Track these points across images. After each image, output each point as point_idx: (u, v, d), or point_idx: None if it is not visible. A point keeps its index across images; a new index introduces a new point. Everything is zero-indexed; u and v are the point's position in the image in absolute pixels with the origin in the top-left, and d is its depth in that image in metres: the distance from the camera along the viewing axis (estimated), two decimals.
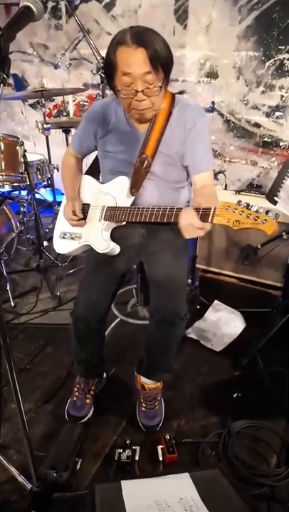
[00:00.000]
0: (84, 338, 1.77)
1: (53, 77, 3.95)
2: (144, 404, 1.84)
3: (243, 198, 2.59)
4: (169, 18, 3.11)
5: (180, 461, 1.65)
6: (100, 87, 2.80)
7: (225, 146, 3.26)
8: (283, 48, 2.77)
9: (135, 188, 1.63)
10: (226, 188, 2.82)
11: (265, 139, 3.07)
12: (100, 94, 2.85)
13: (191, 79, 3.21)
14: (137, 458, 1.64)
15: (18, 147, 2.68)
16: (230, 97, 3.12)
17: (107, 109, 1.65)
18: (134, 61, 1.35)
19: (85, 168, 1.94)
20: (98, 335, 1.82)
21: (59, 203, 1.97)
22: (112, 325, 2.34)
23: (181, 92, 3.24)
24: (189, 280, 2.68)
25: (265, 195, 2.05)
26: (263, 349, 2.13)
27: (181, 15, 3.07)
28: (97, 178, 1.86)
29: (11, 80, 4.10)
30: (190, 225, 1.30)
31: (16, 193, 3.34)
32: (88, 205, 1.78)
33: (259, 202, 1.30)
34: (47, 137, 3.07)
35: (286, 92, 2.87)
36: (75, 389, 1.90)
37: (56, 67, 3.92)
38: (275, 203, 1.92)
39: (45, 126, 2.98)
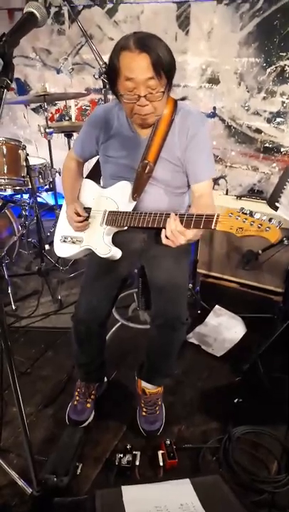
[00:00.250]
0: (85, 341, 1.77)
1: (55, 81, 3.97)
2: (144, 409, 1.84)
3: (244, 203, 2.63)
4: (171, 24, 3.14)
5: (180, 466, 1.64)
6: (102, 91, 2.82)
7: (226, 152, 3.27)
8: (284, 54, 2.79)
9: (137, 193, 1.64)
10: (227, 193, 2.82)
11: (266, 145, 3.08)
12: (102, 98, 2.87)
13: (192, 84, 3.23)
14: (137, 463, 1.64)
15: (20, 151, 2.70)
16: (231, 102, 3.13)
17: (109, 114, 1.66)
18: (137, 66, 1.36)
19: (85, 172, 1.95)
20: (99, 339, 1.82)
21: (61, 207, 1.98)
22: (113, 329, 2.34)
23: (183, 99, 3.25)
24: (190, 285, 2.68)
25: (267, 201, 2.06)
26: (263, 354, 2.13)
27: (183, 21, 3.10)
28: (98, 183, 1.86)
29: (13, 85, 4.12)
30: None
31: (18, 196, 3.34)
32: (89, 209, 1.78)
33: (260, 207, 1.31)
34: (49, 141, 3.08)
35: (287, 99, 2.89)
36: (76, 393, 1.90)
37: (59, 71, 3.94)
38: (276, 208, 1.92)
39: (47, 130, 2.99)
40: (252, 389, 2.04)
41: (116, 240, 1.70)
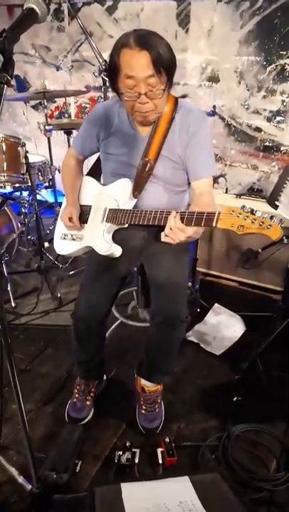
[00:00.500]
0: (84, 339, 1.77)
1: (55, 78, 3.96)
2: (144, 407, 1.84)
3: (244, 202, 2.64)
4: (171, 22, 3.13)
5: (180, 464, 1.65)
6: (102, 89, 2.82)
7: (226, 150, 3.27)
8: (284, 53, 2.79)
9: (137, 190, 1.64)
10: (226, 192, 2.83)
11: (266, 144, 3.08)
12: (102, 96, 2.86)
13: (192, 83, 3.23)
14: (136, 460, 1.64)
15: (19, 148, 2.69)
16: (231, 101, 3.13)
17: (109, 111, 1.66)
18: (138, 64, 1.36)
19: (86, 169, 1.94)
20: (99, 336, 1.82)
21: (60, 204, 1.97)
22: (113, 327, 2.34)
23: (184, 96, 3.25)
24: (190, 283, 2.68)
25: (267, 200, 2.06)
26: (262, 353, 2.13)
27: (183, 19, 3.09)
28: (98, 180, 1.86)
29: (13, 81, 4.10)
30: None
31: (18, 193, 3.34)
32: (90, 206, 1.78)
33: (260, 206, 1.31)
34: (48, 138, 3.08)
35: (287, 97, 2.88)
36: (75, 391, 1.90)
37: (58, 68, 3.93)
38: (276, 207, 1.93)
39: (46, 127, 2.99)
40: (251, 387, 2.05)
41: (116, 238, 1.70)
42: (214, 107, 3.21)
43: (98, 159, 1.87)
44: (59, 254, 2.20)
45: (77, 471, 1.61)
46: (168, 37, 1.42)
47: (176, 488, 1.39)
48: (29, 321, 2.57)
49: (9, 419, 1.77)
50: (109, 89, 2.76)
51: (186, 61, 3.16)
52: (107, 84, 2.74)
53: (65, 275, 3.00)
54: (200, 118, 1.59)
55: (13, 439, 1.74)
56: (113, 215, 1.66)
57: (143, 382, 1.86)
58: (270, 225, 1.22)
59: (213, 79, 3.14)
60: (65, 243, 1.85)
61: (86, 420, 1.84)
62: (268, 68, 2.88)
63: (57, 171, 3.13)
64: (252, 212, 1.24)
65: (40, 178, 3.06)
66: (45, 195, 3.55)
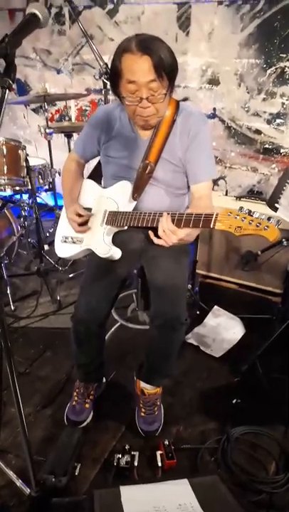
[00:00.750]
0: (84, 341, 1.77)
1: (55, 82, 3.97)
2: (143, 410, 1.84)
3: (244, 204, 2.61)
4: (171, 25, 3.14)
5: (179, 467, 1.64)
6: (103, 92, 2.82)
7: (226, 153, 3.27)
8: (284, 56, 2.80)
9: (137, 193, 1.64)
10: (226, 194, 2.83)
11: (266, 146, 3.09)
12: (103, 99, 2.87)
13: (192, 85, 3.24)
14: (135, 463, 1.64)
15: (20, 151, 2.70)
16: (231, 103, 3.14)
17: (110, 114, 1.67)
18: (139, 69, 1.36)
19: (87, 172, 1.95)
20: (98, 339, 1.82)
21: (60, 207, 1.98)
22: (112, 329, 2.34)
23: (185, 99, 3.26)
24: (189, 285, 2.68)
25: (266, 202, 2.06)
26: (262, 355, 2.13)
27: (184, 22, 3.10)
28: (99, 183, 1.87)
29: (13, 85, 4.12)
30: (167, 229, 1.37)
31: (18, 196, 3.34)
32: (90, 209, 1.78)
33: (259, 208, 1.31)
34: (49, 142, 3.09)
35: (287, 100, 2.89)
36: (75, 393, 1.90)
37: (59, 72, 3.94)
38: (275, 209, 1.92)
39: (47, 130, 3.00)
40: (250, 390, 2.04)
41: (116, 240, 1.70)
42: (214, 109, 3.21)
43: (99, 162, 1.87)
44: (59, 257, 2.21)
45: (77, 474, 1.61)
46: (168, 40, 1.43)
47: (175, 491, 1.39)
48: (28, 324, 2.57)
49: (8, 422, 1.77)
50: (110, 92, 2.78)
51: (186, 64, 3.18)
52: (108, 87, 2.74)
53: (65, 278, 3.00)
54: (200, 121, 1.60)
55: (12, 443, 1.74)
56: (113, 217, 1.66)
57: (142, 384, 1.86)
58: (267, 226, 1.22)
59: (214, 81, 3.15)
60: (65, 246, 1.85)
61: (85, 423, 1.84)
62: (268, 71, 2.89)
63: (57, 174, 3.14)
64: (249, 213, 1.25)
65: (41, 181, 3.06)
66: (45, 198, 3.55)
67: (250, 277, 2.63)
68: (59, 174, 3.09)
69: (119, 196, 1.68)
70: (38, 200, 3.06)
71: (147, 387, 1.85)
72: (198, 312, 2.64)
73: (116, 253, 1.66)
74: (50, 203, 3.56)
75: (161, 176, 1.63)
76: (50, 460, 1.59)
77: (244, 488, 1.57)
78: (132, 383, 1.94)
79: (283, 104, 2.91)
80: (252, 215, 1.24)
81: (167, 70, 1.39)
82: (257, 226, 1.23)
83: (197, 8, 3.03)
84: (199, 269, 2.79)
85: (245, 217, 1.25)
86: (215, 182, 2.96)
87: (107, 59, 2.62)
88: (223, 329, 2.47)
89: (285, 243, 2.11)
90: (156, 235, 1.42)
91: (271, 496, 1.55)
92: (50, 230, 3.41)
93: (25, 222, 3.23)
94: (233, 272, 2.69)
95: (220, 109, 3.20)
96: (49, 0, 3.65)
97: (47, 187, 3.21)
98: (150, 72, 1.36)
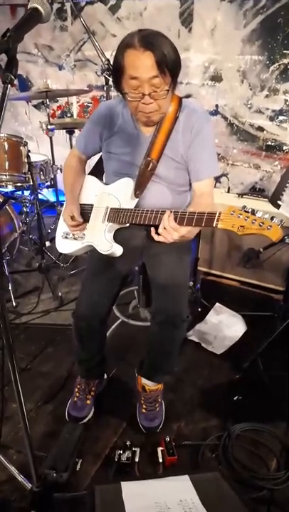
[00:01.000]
0: (85, 337, 1.77)
1: (57, 78, 3.96)
2: (144, 406, 1.84)
3: (246, 201, 2.63)
4: (174, 21, 3.13)
5: (180, 463, 1.65)
6: (104, 88, 2.82)
7: (228, 150, 3.26)
8: (288, 52, 2.78)
9: (139, 190, 1.64)
10: (228, 191, 2.82)
11: (269, 143, 3.08)
12: (104, 95, 2.86)
13: (195, 82, 3.22)
14: (137, 459, 1.64)
15: (21, 147, 2.69)
16: (234, 100, 3.13)
17: (113, 110, 1.66)
18: (142, 65, 1.35)
19: (88, 169, 1.94)
20: (99, 335, 1.82)
21: (62, 204, 1.97)
22: (114, 326, 2.34)
23: (188, 96, 3.25)
24: (191, 282, 2.68)
25: (269, 199, 2.06)
26: (263, 352, 2.13)
27: (186, 18, 3.09)
28: (101, 179, 1.86)
29: (15, 81, 4.12)
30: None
31: (19, 193, 3.35)
32: (91, 205, 1.78)
33: (261, 206, 1.31)
34: (50, 138, 3.08)
35: None
36: (76, 389, 1.90)
37: (61, 68, 3.93)
38: (278, 206, 1.92)
39: (49, 127, 2.99)
40: (252, 387, 2.04)
41: (117, 237, 1.69)
42: (217, 106, 3.20)
43: (101, 158, 1.86)
44: (60, 254, 2.21)
45: (78, 469, 1.62)
46: (171, 36, 1.42)
47: (176, 487, 1.39)
48: (30, 320, 2.57)
49: (9, 418, 1.77)
50: (112, 89, 2.79)
51: (188, 60, 3.16)
52: (110, 83, 2.74)
53: (66, 274, 3.00)
54: (203, 118, 1.59)
55: (14, 438, 1.74)
56: (114, 214, 1.65)
57: (144, 381, 1.86)
58: (270, 226, 1.22)
59: (216, 78, 3.14)
60: (66, 242, 1.85)
61: (86, 419, 1.85)
62: (271, 67, 2.88)
63: (58, 171, 3.13)
64: (253, 212, 1.24)
65: (42, 177, 3.07)
66: (46, 194, 3.54)
67: (252, 275, 2.62)
68: (60, 170, 3.09)
69: (121, 193, 1.67)
70: (40, 196, 3.06)
71: (148, 384, 1.85)
72: (199, 309, 2.64)
73: (117, 250, 1.66)
74: (52, 199, 3.55)
75: (163, 173, 1.62)
76: (51, 455, 1.60)
77: (245, 484, 1.58)
78: (133, 380, 1.94)
79: (286, 100, 2.90)
80: (255, 215, 1.24)
81: (170, 66, 1.38)
82: (260, 225, 1.23)
83: (200, 4, 3.01)
84: (201, 266, 2.79)
85: (248, 217, 1.24)
86: (217, 179, 2.96)
87: (109, 55, 2.62)
88: (224, 326, 2.47)
89: (287, 240, 2.11)
90: (157, 232, 1.42)
91: (272, 493, 1.55)
92: (52, 227, 3.41)
93: (27, 219, 3.23)
94: (234, 270, 2.68)
95: (222, 105, 3.19)
96: None
97: (48, 183, 3.22)
98: (153, 68, 1.35)
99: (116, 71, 1.44)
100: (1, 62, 1.02)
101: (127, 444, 1.68)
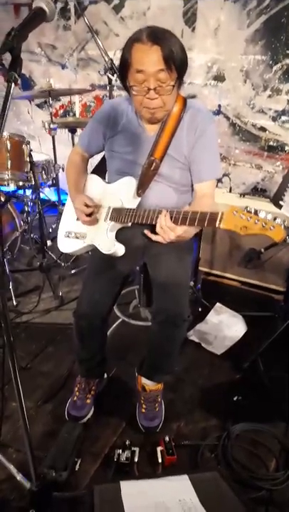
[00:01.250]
0: (86, 337, 1.77)
1: (60, 77, 3.96)
2: (144, 406, 1.84)
3: (248, 201, 2.63)
4: (177, 21, 3.12)
5: (179, 463, 1.64)
6: (107, 88, 2.81)
7: (230, 149, 3.26)
8: None
9: (142, 189, 1.64)
10: (230, 191, 2.82)
11: (271, 143, 3.07)
12: (107, 95, 2.86)
13: (198, 81, 3.22)
14: (136, 459, 1.64)
15: (24, 146, 2.70)
16: (236, 100, 3.13)
17: (117, 109, 1.66)
18: (149, 58, 1.37)
19: (91, 168, 1.94)
20: (100, 334, 1.82)
21: (63, 203, 1.97)
22: (114, 325, 2.34)
23: (193, 97, 3.24)
24: (192, 282, 2.68)
25: (271, 199, 2.06)
26: (264, 353, 2.12)
27: (190, 17, 3.08)
28: (103, 178, 1.86)
29: (18, 79, 4.12)
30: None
31: (21, 192, 3.35)
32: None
33: (263, 206, 1.31)
34: (53, 137, 3.08)
35: None
36: (76, 389, 1.90)
37: (64, 67, 3.93)
38: (280, 207, 1.92)
39: (51, 126, 2.99)
40: (252, 387, 2.04)
41: (119, 237, 1.69)
42: (219, 106, 3.20)
43: (103, 157, 1.86)
44: (62, 253, 2.20)
45: (77, 469, 1.61)
46: None
47: (175, 487, 1.39)
48: (30, 319, 2.57)
49: (9, 417, 1.77)
50: (115, 88, 2.79)
51: (191, 60, 3.15)
52: (113, 82, 2.73)
53: (67, 274, 3.00)
54: (208, 119, 1.60)
55: (13, 437, 1.74)
56: (117, 213, 1.65)
57: (144, 380, 1.86)
58: (273, 226, 1.21)
59: (219, 78, 3.14)
60: (68, 241, 1.85)
61: (86, 418, 1.84)
62: (274, 67, 2.88)
63: (61, 170, 3.14)
64: (255, 212, 1.24)
65: (44, 176, 3.06)
66: (48, 193, 3.55)
67: (252, 275, 2.62)
68: (63, 170, 3.08)
69: (123, 192, 1.67)
70: (41, 195, 3.07)
71: (148, 384, 1.85)
72: (200, 309, 2.64)
73: (119, 249, 1.66)
74: (53, 198, 3.55)
75: (166, 173, 1.62)
76: (50, 454, 1.59)
77: (244, 484, 1.57)
78: (133, 379, 1.94)
79: None
80: (258, 215, 1.23)
81: (177, 63, 1.40)
82: (263, 226, 1.22)
83: (203, 4, 3.01)
84: (202, 266, 2.79)
85: (251, 217, 1.24)
86: (219, 179, 2.96)
87: (113, 54, 2.62)
88: (225, 326, 2.47)
89: (288, 241, 2.10)
90: (154, 232, 1.42)
91: (271, 493, 1.55)
92: (53, 226, 3.42)
93: (28, 218, 3.23)
94: (235, 270, 2.68)
95: (225, 105, 3.18)
96: None
97: (50, 182, 3.21)
98: (159, 62, 1.36)
99: (123, 65, 1.45)
100: (4, 61, 1.02)
101: (127, 443, 1.68)
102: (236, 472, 1.61)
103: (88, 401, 1.88)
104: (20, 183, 2.77)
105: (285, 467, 1.65)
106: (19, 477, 1.46)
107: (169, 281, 1.66)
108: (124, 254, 1.67)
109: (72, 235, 1.83)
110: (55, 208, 3.43)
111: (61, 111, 4.13)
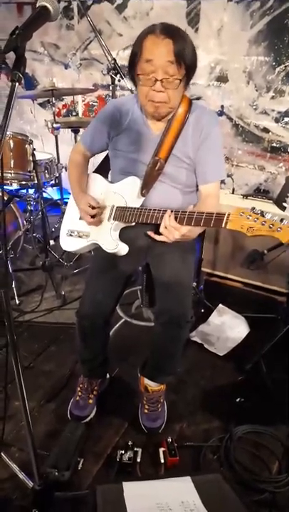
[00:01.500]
0: (89, 336, 1.77)
1: (63, 76, 3.96)
2: (146, 406, 1.84)
3: (250, 202, 2.63)
4: (180, 21, 3.12)
5: (181, 464, 1.64)
6: (110, 87, 2.81)
7: (233, 151, 3.26)
8: None
9: (146, 189, 1.64)
10: (233, 192, 2.82)
11: (274, 145, 3.07)
12: (110, 95, 2.86)
13: (201, 82, 3.21)
14: (138, 460, 1.64)
15: (27, 145, 2.70)
16: (239, 101, 3.12)
17: (121, 108, 1.66)
18: (159, 49, 1.38)
19: (92, 167, 1.94)
20: (103, 334, 1.82)
21: (66, 202, 1.97)
22: (117, 326, 2.34)
23: (199, 98, 3.24)
24: (194, 283, 2.67)
25: (274, 201, 2.06)
26: (266, 354, 2.12)
27: (193, 18, 3.08)
28: (106, 178, 1.86)
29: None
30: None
31: (24, 191, 3.35)
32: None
33: (266, 207, 1.31)
34: (56, 136, 3.08)
35: None
36: (78, 389, 1.90)
37: (67, 66, 3.93)
38: (283, 208, 1.92)
39: (54, 125, 2.99)
40: (254, 389, 2.04)
41: (123, 236, 1.69)
42: (222, 106, 3.20)
43: (106, 157, 1.86)
44: (64, 252, 2.20)
45: (79, 469, 1.62)
46: None
47: (177, 488, 1.39)
48: (33, 318, 2.57)
49: (12, 416, 1.78)
50: (118, 88, 2.79)
51: None
52: (116, 82, 2.73)
53: (70, 273, 3.00)
54: (213, 121, 1.60)
55: (16, 437, 1.74)
56: (120, 213, 1.65)
57: (146, 381, 1.85)
58: (280, 228, 1.21)
59: (222, 79, 3.14)
60: (71, 240, 1.85)
61: (88, 418, 1.84)
62: (277, 69, 2.87)
63: (63, 169, 3.14)
64: (262, 214, 1.24)
65: (47, 175, 3.07)
66: (51, 193, 3.55)
67: (255, 276, 2.62)
68: (65, 169, 3.09)
69: (127, 192, 1.67)
70: (44, 194, 3.06)
71: (151, 384, 1.85)
72: (202, 310, 2.63)
73: (123, 249, 1.65)
74: (56, 197, 3.55)
75: (170, 173, 1.62)
76: (53, 454, 1.59)
77: (247, 487, 1.57)
78: (135, 380, 1.93)
79: None
80: (264, 216, 1.24)
81: (187, 61, 1.41)
82: (270, 227, 1.23)
83: (207, 5, 3.01)
84: (205, 267, 2.78)
85: (257, 218, 1.24)
86: (222, 180, 2.95)
87: (116, 54, 2.62)
88: (227, 328, 2.47)
89: None
90: (157, 232, 1.42)
91: (274, 495, 1.54)
92: (56, 225, 3.41)
93: (31, 217, 3.23)
94: (238, 271, 2.68)
95: (228, 106, 3.18)
96: None
97: (53, 182, 3.21)
98: (169, 54, 1.38)
99: (133, 55, 1.46)
100: (7, 60, 1.02)
101: (129, 444, 1.68)
102: (239, 474, 1.61)
103: (91, 401, 1.88)
104: (23, 182, 2.77)
105: (288, 469, 1.64)
106: (22, 476, 1.46)
107: (173, 281, 1.66)
108: (127, 254, 1.67)
109: (75, 234, 1.82)
110: (57, 208, 3.42)
111: (64, 110, 4.13)
